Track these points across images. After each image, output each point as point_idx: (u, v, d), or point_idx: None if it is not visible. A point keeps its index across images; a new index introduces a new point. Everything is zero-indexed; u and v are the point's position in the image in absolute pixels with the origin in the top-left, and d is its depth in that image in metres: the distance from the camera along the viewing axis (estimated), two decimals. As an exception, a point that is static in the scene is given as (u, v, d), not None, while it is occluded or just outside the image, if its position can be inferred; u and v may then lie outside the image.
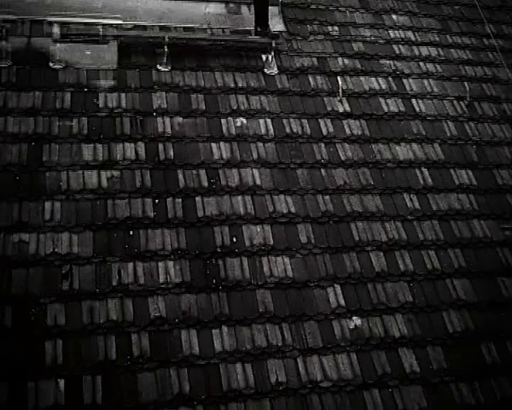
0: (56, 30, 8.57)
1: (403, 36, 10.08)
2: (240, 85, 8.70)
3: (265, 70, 8.95)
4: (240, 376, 6.70)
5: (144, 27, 8.97)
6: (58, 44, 8.52)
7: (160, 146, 7.97)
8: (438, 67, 9.81)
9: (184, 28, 9.06)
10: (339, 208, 7.98)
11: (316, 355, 6.99)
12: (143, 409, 6.42)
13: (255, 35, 9.18)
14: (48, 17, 8.67)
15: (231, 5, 9.56)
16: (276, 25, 9.48)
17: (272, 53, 9.00)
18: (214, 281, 7.19)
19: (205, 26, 9.22)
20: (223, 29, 9.20)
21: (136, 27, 8.96)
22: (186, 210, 7.57)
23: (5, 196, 7.27)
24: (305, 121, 8.61)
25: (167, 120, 8.20)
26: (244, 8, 9.51)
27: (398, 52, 9.82)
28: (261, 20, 9.15)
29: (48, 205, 7.33)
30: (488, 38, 10.37)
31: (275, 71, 8.98)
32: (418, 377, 7.10)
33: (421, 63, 9.78)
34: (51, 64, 8.38)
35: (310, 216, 7.85)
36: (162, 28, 9.01)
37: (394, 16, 10.30)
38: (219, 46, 8.94)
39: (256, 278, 7.29)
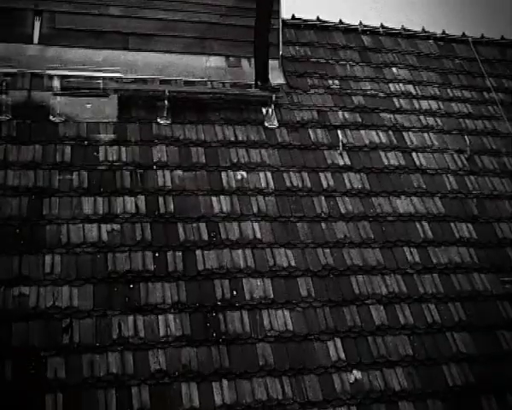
0: (57, 83, 9.25)
1: (403, 89, 10.86)
2: (240, 139, 9.40)
3: (266, 123, 9.68)
4: (241, 429, 7.21)
5: (144, 81, 9.70)
6: (58, 98, 9.18)
7: (161, 199, 8.60)
8: (438, 120, 10.57)
9: (185, 82, 9.79)
10: (339, 262, 8.60)
11: (316, 409, 7.51)
12: None
13: (255, 88, 9.93)
14: (48, 70, 9.32)
15: (231, 59, 10.32)
16: (277, 78, 10.25)
17: (272, 106, 9.74)
18: (214, 334, 7.75)
19: (205, 80, 9.95)
20: (223, 82, 9.95)
21: (136, 81, 9.67)
22: (186, 263, 8.15)
23: (5, 249, 7.81)
24: (305, 175, 9.29)
25: (167, 173, 8.85)
26: (244, 62, 10.29)
27: (398, 106, 10.58)
28: (261, 73, 9.91)
29: (48, 258, 7.88)
30: (488, 92, 11.17)
31: (275, 124, 9.72)
32: (419, 431, 7.60)
33: (422, 117, 10.53)
34: (51, 117, 9.02)
35: (310, 269, 8.46)
36: (162, 81, 9.74)
37: (395, 70, 11.10)
38: (220, 99, 9.67)
39: (256, 331, 7.85)
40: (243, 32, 10.23)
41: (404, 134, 10.11)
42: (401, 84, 10.81)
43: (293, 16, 11.18)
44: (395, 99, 10.56)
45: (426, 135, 10.25)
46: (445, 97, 10.92)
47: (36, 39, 9.67)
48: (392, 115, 10.33)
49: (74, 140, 8.85)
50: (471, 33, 11.99)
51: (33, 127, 8.82)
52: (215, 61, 10.16)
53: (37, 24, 9.68)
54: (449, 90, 11.03)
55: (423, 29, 11.82)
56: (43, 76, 9.23)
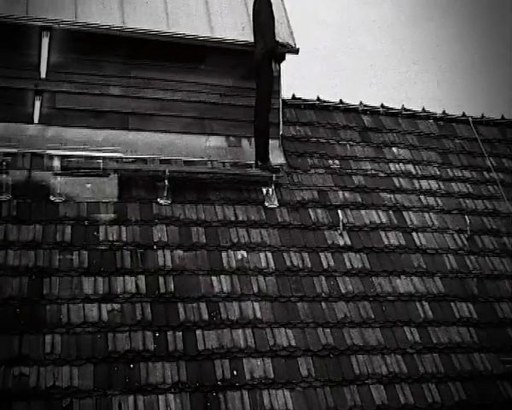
0: (57, 163, 10.10)
1: (403, 169, 11.87)
2: (240, 219, 10.31)
3: (266, 203, 10.62)
4: None
5: (145, 161, 10.64)
6: (58, 178, 10.00)
7: (161, 279, 9.41)
8: (438, 200, 11.55)
9: (185, 162, 10.74)
10: (339, 341, 9.41)
11: None
12: None
13: (256, 168, 10.89)
14: (48, 150, 10.20)
15: (232, 138, 11.31)
16: (277, 158, 11.25)
17: (273, 186, 10.69)
18: (215, 414, 8.47)
19: (205, 160, 10.91)
20: (223, 162, 10.92)
21: (136, 161, 10.59)
22: (186, 343, 8.91)
23: (6, 329, 8.49)
24: (305, 255, 10.18)
25: (168, 253, 9.70)
26: (245, 142, 11.28)
27: (398, 185, 11.57)
28: (262, 153, 10.90)
29: (48, 338, 8.56)
30: (489, 172, 12.20)
31: (275, 204, 10.66)
32: None
33: (422, 196, 11.51)
34: (52, 197, 9.86)
35: (310, 349, 9.24)
36: (163, 161, 10.68)
37: (395, 149, 12.13)
38: (220, 179, 10.61)
39: (257, 411, 8.57)
40: (243, 112, 11.20)
41: (405, 214, 11.05)
42: (401, 164, 11.80)
43: (293, 96, 12.22)
44: (395, 179, 11.54)
45: (426, 215, 11.19)
46: (445, 177, 11.90)
47: (36, 119, 10.48)
48: (392, 195, 11.28)
49: (74, 220, 9.64)
50: (471, 113, 13.07)
51: (34, 207, 9.63)
52: (215, 141, 11.12)
53: (37, 104, 10.45)
54: (449, 170, 12.03)
55: (423, 109, 12.89)
56: (44, 156, 10.11)
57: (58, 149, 10.24)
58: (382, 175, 11.32)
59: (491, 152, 12.44)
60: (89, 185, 10.07)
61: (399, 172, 11.52)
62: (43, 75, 10.38)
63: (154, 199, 10.01)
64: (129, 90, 10.85)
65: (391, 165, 11.58)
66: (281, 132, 11.22)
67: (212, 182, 10.40)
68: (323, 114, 11.92)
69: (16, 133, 10.25)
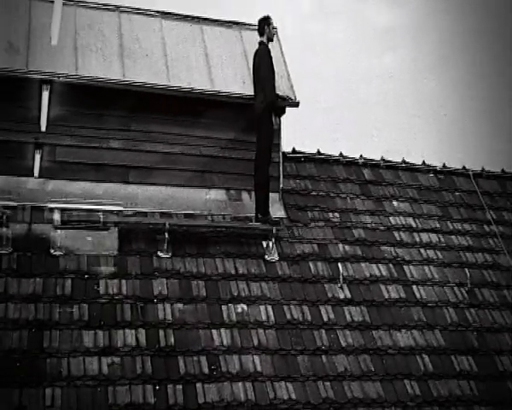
0: (57, 216, 10.47)
1: (403, 222, 12.36)
2: (240, 272, 10.75)
3: (266, 256, 11.07)
4: None
5: (145, 214, 11.09)
6: (59, 231, 10.39)
7: (161, 333, 9.79)
8: (438, 253, 12.03)
9: (185, 215, 11.20)
10: (340, 395, 9.79)
11: None
12: None
13: (256, 222, 11.33)
14: (49, 204, 10.56)
15: (232, 192, 11.78)
16: (277, 211, 11.72)
17: (273, 240, 11.14)
18: None
19: (205, 213, 11.37)
20: (223, 215, 11.39)
21: (136, 214, 11.04)
22: (187, 397, 9.25)
23: (6, 382, 8.80)
24: (305, 308, 10.61)
25: (168, 306, 10.11)
26: (245, 195, 11.76)
27: (398, 239, 12.05)
28: (262, 206, 11.37)
29: (48, 391, 8.87)
30: (489, 225, 12.69)
31: (275, 257, 11.11)
32: None
33: (422, 250, 11.98)
34: (52, 250, 10.24)
35: (310, 403, 9.62)
36: (163, 215, 11.12)
37: (395, 203, 12.64)
38: (220, 233, 11.07)
39: None
40: (244, 165, 11.69)
41: (405, 267, 11.52)
42: (401, 217, 12.30)
43: (293, 150, 12.73)
44: (395, 232, 12.03)
45: (426, 268, 11.66)
46: (445, 230, 12.39)
47: (36, 172, 10.91)
48: (392, 248, 11.76)
49: (75, 273, 10.04)
50: (471, 166, 13.60)
51: (34, 260, 10.03)
52: (215, 194, 11.61)
53: (37, 157, 10.87)
54: (449, 223, 12.53)
55: (423, 162, 13.42)
56: (44, 209, 10.50)
57: (58, 202, 10.60)
58: (382, 228, 11.79)
59: (491, 205, 12.95)
60: (89, 238, 10.43)
61: (400, 226, 11.99)
62: (43, 128, 10.81)
63: (154, 252, 10.44)
64: (129, 143, 11.27)
65: (391, 218, 12.06)
66: (281, 186, 11.67)
67: (212, 235, 10.82)
68: (324, 168, 12.44)
69: (16, 186, 10.66)
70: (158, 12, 12.16)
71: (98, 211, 10.60)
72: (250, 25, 12.27)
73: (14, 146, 10.74)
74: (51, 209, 10.47)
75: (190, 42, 12.05)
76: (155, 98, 11.11)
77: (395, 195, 12.52)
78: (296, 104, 11.63)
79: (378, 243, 11.61)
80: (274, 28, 11.61)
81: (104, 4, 11.92)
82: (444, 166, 13.25)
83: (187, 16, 12.33)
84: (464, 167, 13.23)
